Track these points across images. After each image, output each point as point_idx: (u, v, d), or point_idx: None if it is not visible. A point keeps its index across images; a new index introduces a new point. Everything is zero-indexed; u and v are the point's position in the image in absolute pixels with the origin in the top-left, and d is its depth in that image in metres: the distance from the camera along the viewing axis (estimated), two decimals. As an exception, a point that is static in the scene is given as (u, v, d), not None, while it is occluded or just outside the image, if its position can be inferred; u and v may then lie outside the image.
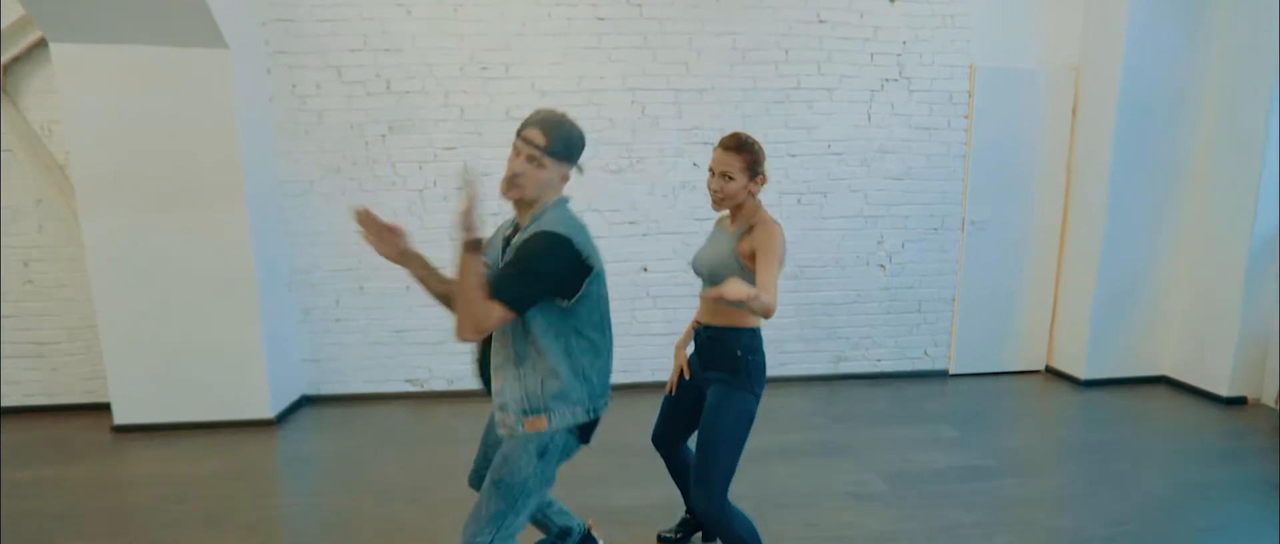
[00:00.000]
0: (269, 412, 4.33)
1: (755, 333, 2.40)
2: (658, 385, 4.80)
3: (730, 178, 2.35)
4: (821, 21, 4.65)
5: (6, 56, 4.23)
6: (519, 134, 1.97)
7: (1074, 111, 4.89)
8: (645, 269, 4.77)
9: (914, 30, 4.71)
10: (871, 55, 4.72)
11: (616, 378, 4.85)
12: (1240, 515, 3.19)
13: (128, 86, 3.94)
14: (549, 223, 1.94)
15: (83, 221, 4.04)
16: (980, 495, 3.39)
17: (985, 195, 4.90)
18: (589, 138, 4.65)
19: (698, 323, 2.51)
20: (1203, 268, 4.69)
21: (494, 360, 2.04)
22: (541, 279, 1.87)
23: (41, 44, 4.24)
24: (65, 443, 4.11)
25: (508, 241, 2.04)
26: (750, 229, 2.33)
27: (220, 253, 4.16)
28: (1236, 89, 4.46)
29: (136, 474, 3.74)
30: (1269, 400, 4.52)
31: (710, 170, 2.40)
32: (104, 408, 4.51)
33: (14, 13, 4.17)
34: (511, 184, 1.95)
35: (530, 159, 1.94)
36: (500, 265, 1.94)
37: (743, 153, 2.35)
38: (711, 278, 2.37)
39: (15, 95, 4.34)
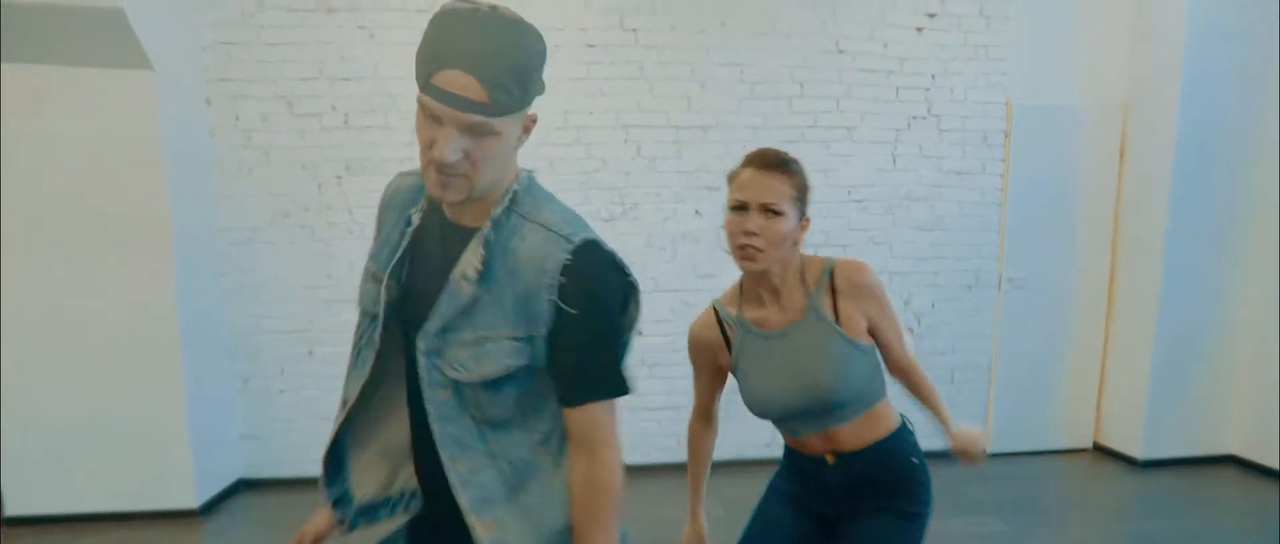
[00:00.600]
0: (194, 501, 3.67)
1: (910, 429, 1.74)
2: (665, 467, 4.16)
3: (776, 213, 1.52)
4: (841, 52, 4.13)
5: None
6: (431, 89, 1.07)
7: (1122, 154, 4.37)
8: (640, 333, 4.16)
9: (944, 62, 4.20)
10: (896, 90, 4.20)
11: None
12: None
13: (40, 111, 3.41)
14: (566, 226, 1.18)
15: (4, 270, 3.45)
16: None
17: (1024, 248, 4.35)
18: (577, 181, 4.13)
19: (820, 452, 1.67)
20: (1274, 329, 4.13)
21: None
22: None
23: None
24: (-60, 543, 3.44)
25: (419, 249, 1.24)
26: (830, 284, 1.59)
27: (141, 310, 3.58)
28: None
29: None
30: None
31: (738, 206, 1.54)
32: (-2, 500, 3.83)
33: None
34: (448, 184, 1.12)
35: (470, 129, 1.08)
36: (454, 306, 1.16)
37: (791, 174, 1.55)
38: (835, 400, 1.58)
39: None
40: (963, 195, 4.32)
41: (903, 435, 1.70)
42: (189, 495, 3.68)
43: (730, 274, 4.50)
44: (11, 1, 3.08)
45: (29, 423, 3.55)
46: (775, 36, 4.10)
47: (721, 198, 3.96)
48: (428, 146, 1.09)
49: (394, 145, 3.96)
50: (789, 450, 1.77)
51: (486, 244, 1.15)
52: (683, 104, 4.10)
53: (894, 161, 4.25)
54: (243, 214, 3.95)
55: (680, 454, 4.16)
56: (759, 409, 1.65)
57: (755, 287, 1.65)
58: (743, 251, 1.53)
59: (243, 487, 4.05)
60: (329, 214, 3.99)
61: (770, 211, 1.51)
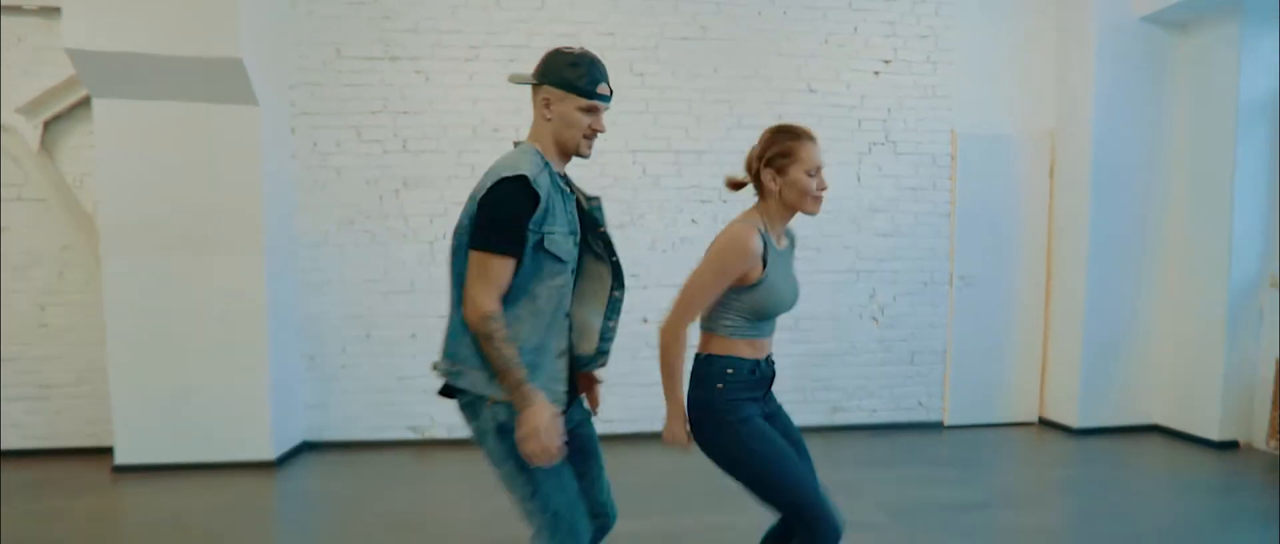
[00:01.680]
0: (271, 454, 4.35)
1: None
2: (658, 436, 4.83)
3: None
4: (812, 91, 5.00)
5: (46, 116, 4.52)
6: (598, 95, 1.91)
7: (1052, 173, 5.17)
8: (645, 320, 4.90)
9: (898, 99, 5.05)
10: (859, 121, 5.04)
11: (617, 428, 4.89)
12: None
13: (161, 140, 4.18)
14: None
15: (104, 262, 4.20)
16: (981, 527, 3.40)
17: (972, 252, 5.11)
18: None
19: (767, 352, 2.12)
20: (1185, 316, 4.85)
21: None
22: None
23: (80, 104, 4.53)
24: (65, 481, 4.11)
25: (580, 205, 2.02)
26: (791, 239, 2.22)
27: (235, 299, 4.29)
28: (1204, 141, 4.74)
29: (135, 508, 3.75)
30: (1260, 443, 4.58)
31: (818, 169, 2.05)
32: (105, 451, 4.51)
33: (53, 77, 4.47)
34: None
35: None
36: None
37: None
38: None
39: (53, 150, 4.60)
40: (917, 208, 5.11)
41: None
42: (267, 449, 4.36)
43: None
44: (145, 52, 3.90)
45: (136, 389, 4.25)
46: (758, 79, 4.97)
47: (714, 209, 4.87)
48: (587, 127, 1.92)
49: (444, 165, 4.78)
50: (744, 363, 2.05)
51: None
52: (681, 133, 4.94)
53: (858, 179, 5.06)
54: (317, 221, 4.75)
55: None
56: (775, 308, 2.05)
57: (783, 222, 2.12)
58: (819, 201, 2.07)
59: (305, 448, 4.72)
60: (388, 222, 4.79)
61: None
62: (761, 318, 2.05)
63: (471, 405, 1.88)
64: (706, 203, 4.94)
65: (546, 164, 1.89)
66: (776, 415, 2.14)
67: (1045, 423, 5.25)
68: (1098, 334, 4.92)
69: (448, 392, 1.94)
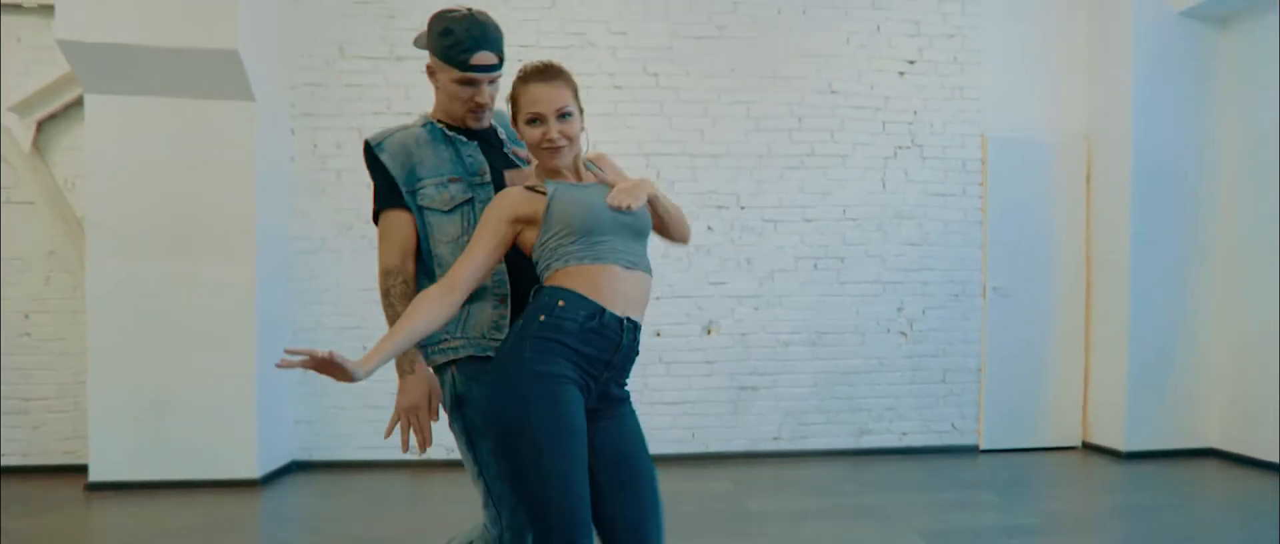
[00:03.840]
0: (255, 472, 4.06)
1: None
2: (677, 457, 4.52)
3: (569, 113, 1.68)
4: (834, 92, 4.77)
5: (40, 115, 4.37)
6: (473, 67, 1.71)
7: (1088, 179, 4.89)
8: (658, 334, 4.62)
9: (924, 100, 4.81)
10: (883, 124, 4.80)
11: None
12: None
13: (153, 135, 4.02)
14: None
15: (88, 264, 3.99)
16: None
17: (1005, 262, 4.81)
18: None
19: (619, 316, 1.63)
20: (1240, 328, 4.50)
21: None
22: None
23: (74, 104, 4.37)
24: (34, 500, 3.85)
25: None
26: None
27: (224, 305, 4.07)
28: (1251, 139, 4.46)
29: (103, 529, 3.49)
30: (1332, 468, 4.19)
31: (537, 118, 1.66)
32: (81, 470, 4.23)
33: (48, 75, 4.31)
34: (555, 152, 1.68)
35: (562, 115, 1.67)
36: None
37: (571, 81, 1.72)
38: (635, 228, 1.70)
39: (45, 152, 4.44)
40: (946, 214, 4.83)
41: None
42: (251, 467, 4.07)
43: (738, 282, 5.11)
44: (139, 44, 3.77)
45: (115, 401, 3.99)
46: (777, 80, 4.75)
47: (731, 215, 4.59)
48: (468, 99, 1.77)
49: (447, 168, 4.57)
50: (581, 302, 1.61)
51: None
52: (697, 136, 4.71)
53: (883, 185, 4.80)
54: (314, 226, 4.54)
55: (692, 446, 4.62)
56: (582, 219, 1.64)
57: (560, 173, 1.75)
58: (553, 151, 1.68)
59: (295, 467, 4.44)
60: (388, 227, 4.57)
61: (564, 116, 1.67)
62: (585, 233, 1.63)
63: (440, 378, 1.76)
64: (723, 209, 4.68)
65: (429, 123, 1.79)
66: (617, 421, 1.67)
67: (1089, 447, 4.87)
68: (1145, 349, 4.57)
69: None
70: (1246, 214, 4.50)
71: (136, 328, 4.01)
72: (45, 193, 4.37)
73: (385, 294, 1.72)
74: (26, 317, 4.39)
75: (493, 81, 1.77)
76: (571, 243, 1.63)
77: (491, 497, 1.73)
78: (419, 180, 1.73)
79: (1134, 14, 4.55)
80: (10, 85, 4.30)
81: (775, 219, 4.69)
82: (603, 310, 1.59)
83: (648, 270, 1.70)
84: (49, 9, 4.29)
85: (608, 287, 1.61)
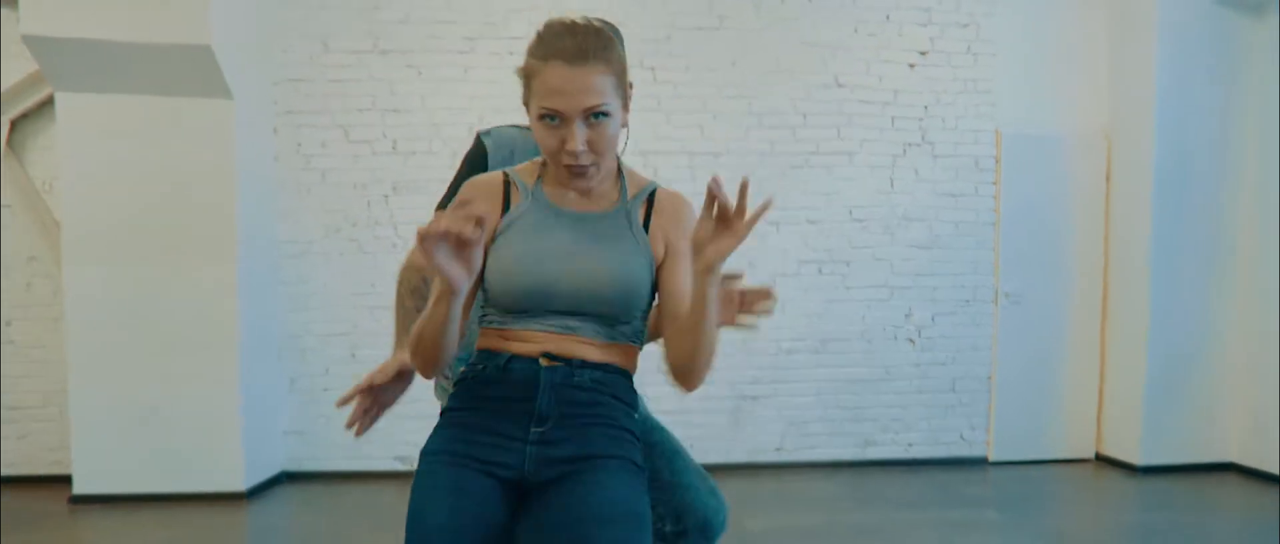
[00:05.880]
0: (241, 484, 3.97)
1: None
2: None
3: (605, 114, 1.24)
4: (840, 86, 4.55)
5: (13, 113, 4.22)
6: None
7: (1108, 178, 4.67)
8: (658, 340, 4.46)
9: (935, 94, 4.59)
10: (892, 119, 4.58)
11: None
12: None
13: (128, 135, 3.88)
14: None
15: (66, 269, 3.87)
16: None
17: (1018, 266, 4.61)
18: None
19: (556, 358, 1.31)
20: (1264, 339, 4.30)
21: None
22: None
23: (49, 102, 4.21)
24: (16, 513, 3.77)
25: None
26: (650, 201, 1.37)
27: (205, 311, 3.95)
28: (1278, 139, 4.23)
29: (88, 537, 3.43)
30: (1357, 487, 4.02)
31: (554, 115, 1.23)
32: (69, 481, 4.16)
33: (21, 70, 4.16)
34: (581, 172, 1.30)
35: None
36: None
37: (613, 60, 1.26)
38: (622, 300, 1.32)
39: (20, 152, 4.30)
40: (958, 216, 4.63)
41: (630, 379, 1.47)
42: (237, 480, 3.98)
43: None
44: (109, 39, 3.61)
45: (96, 413, 3.89)
46: (779, 73, 4.53)
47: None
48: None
49: (437, 168, 4.39)
50: (488, 357, 1.36)
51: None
52: (696, 133, 4.51)
53: (892, 184, 4.59)
54: (300, 229, 4.39)
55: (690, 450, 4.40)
56: (505, 284, 1.30)
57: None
58: (575, 172, 1.31)
59: (284, 478, 4.34)
60: (376, 229, 4.42)
61: (598, 115, 1.25)
62: (499, 301, 1.31)
63: None
64: (723, 210, 4.49)
65: None
66: (564, 484, 1.26)
67: (1103, 459, 4.70)
68: (1163, 359, 4.37)
69: None
70: (1271, 218, 4.27)
71: (117, 335, 3.90)
72: (21, 195, 4.25)
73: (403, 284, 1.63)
74: (9, 324, 4.29)
75: None
76: (497, 303, 1.33)
77: None
78: None
79: (1159, 1, 4.29)
80: (-17, 82, 4.15)
81: (778, 221, 4.49)
82: (509, 360, 1.31)
83: (592, 332, 1.34)
84: (14, 2, 4.12)
85: (522, 337, 1.32)
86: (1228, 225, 4.44)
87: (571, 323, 1.30)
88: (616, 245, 1.32)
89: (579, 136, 1.23)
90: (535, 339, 1.30)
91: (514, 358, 1.29)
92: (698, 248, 1.14)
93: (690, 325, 1.22)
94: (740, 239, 1.12)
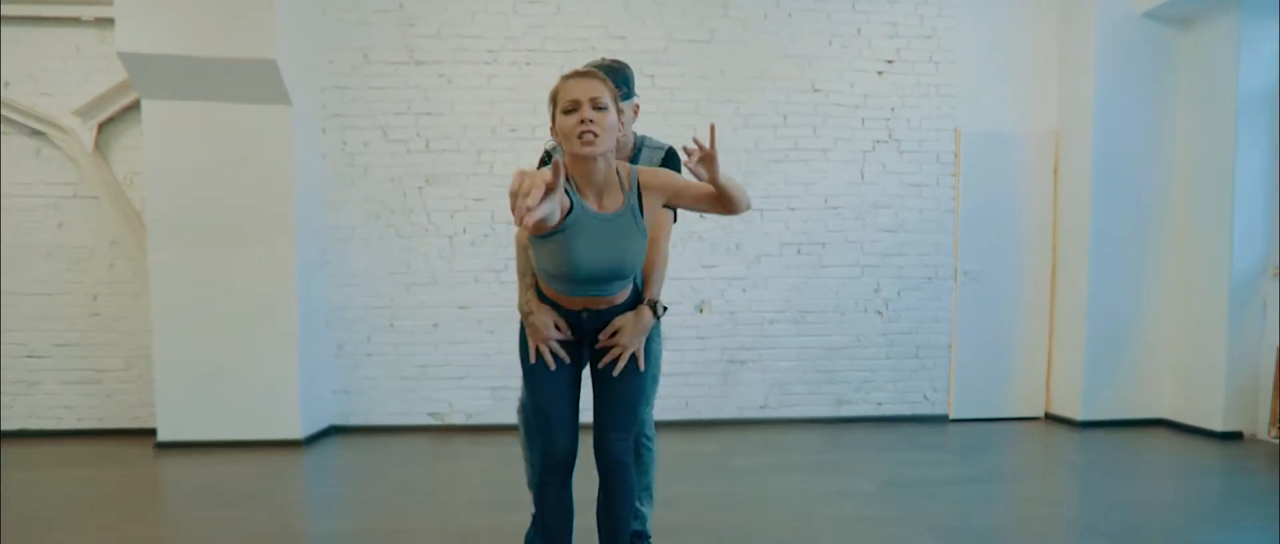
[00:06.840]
0: (298, 433, 4.62)
1: None
2: (670, 423, 5.01)
3: (604, 107, 1.93)
4: (816, 91, 5.16)
5: (101, 118, 4.89)
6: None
7: (1056, 171, 5.25)
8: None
9: (901, 98, 5.18)
10: (862, 120, 5.18)
11: (668, 416, 5.09)
12: (1241, 526, 3.24)
13: (202, 136, 4.51)
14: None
15: (150, 255, 4.53)
16: (966, 497, 3.52)
17: (976, 248, 5.20)
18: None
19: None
20: (1188, 310, 4.88)
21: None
22: None
23: (131, 108, 4.89)
24: (111, 455, 4.43)
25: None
26: (638, 187, 2.07)
27: (268, 288, 4.59)
28: (1205, 135, 4.79)
29: (172, 477, 4.06)
30: (1263, 434, 4.58)
31: (569, 108, 1.94)
32: (149, 433, 4.82)
33: (105, 83, 4.83)
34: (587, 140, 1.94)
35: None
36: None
37: (609, 80, 1.99)
38: (631, 272, 2.10)
39: (105, 152, 4.97)
40: (921, 204, 5.22)
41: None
42: (294, 430, 4.63)
43: (728, 265, 5.56)
44: (189, 55, 4.25)
45: (177, 373, 4.56)
46: (763, 80, 5.14)
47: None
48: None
49: (464, 163, 5.03)
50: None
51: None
52: (689, 132, 5.10)
53: (862, 176, 5.20)
54: (344, 216, 5.03)
55: (686, 413, 5.09)
56: (565, 267, 2.05)
57: (589, 178, 2.04)
58: (587, 141, 1.94)
59: (333, 431, 4.99)
60: (411, 217, 5.05)
61: (599, 106, 1.93)
62: (557, 276, 2.06)
63: None
64: (714, 199, 5.10)
65: None
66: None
67: (1051, 417, 5.29)
68: (1101, 328, 4.96)
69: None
70: (1197, 204, 4.84)
71: (193, 308, 4.55)
72: (107, 189, 4.91)
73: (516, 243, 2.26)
74: (95, 298, 4.96)
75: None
76: (546, 275, 2.10)
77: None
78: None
79: (1098, 15, 4.88)
80: (72, 92, 4.84)
81: (762, 208, 5.11)
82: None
83: (616, 292, 2.12)
84: (105, 22, 4.80)
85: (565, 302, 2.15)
86: (1158, 212, 5.01)
87: (599, 288, 2.09)
88: (629, 241, 2.04)
89: (587, 111, 1.92)
90: (575, 303, 2.13)
91: (562, 309, 2.15)
92: (706, 172, 1.96)
93: (720, 197, 2.05)
94: (716, 158, 1.96)
